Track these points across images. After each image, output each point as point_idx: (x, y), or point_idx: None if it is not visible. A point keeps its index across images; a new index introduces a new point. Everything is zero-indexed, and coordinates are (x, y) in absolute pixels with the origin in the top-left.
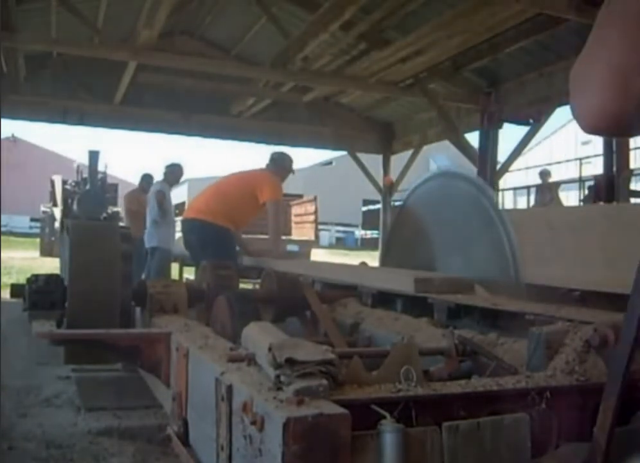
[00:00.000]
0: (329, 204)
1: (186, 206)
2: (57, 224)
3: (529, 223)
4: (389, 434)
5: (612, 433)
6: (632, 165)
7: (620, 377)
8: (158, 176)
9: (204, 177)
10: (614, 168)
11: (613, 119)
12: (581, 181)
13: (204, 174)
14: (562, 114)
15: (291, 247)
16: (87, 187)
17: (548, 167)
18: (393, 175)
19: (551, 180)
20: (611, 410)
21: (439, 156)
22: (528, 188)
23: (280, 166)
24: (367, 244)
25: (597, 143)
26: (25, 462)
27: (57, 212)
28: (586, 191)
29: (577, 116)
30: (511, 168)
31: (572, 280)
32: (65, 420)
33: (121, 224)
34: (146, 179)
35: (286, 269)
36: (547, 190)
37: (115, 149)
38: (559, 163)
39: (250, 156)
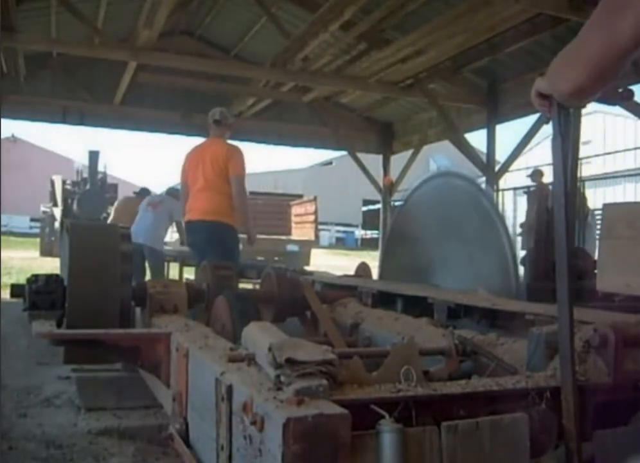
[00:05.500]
0: (329, 204)
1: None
2: (57, 224)
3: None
4: (388, 434)
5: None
6: (633, 165)
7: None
8: (160, 178)
9: None
10: None
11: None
12: (581, 180)
13: None
14: None
15: (291, 247)
16: (87, 187)
17: (546, 167)
18: (393, 175)
19: (544, 180)
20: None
21: (439, 156)
22: (528, 188)
23: (228, 124)
24: (367, 244)
25: (597, 143)
26: (25, 462)
27: (57, 212)
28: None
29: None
30: (511, 168)
31: None
32: (65, 420)
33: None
34: (143, 193)
35: None
36: (537, 190)
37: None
38: None
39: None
